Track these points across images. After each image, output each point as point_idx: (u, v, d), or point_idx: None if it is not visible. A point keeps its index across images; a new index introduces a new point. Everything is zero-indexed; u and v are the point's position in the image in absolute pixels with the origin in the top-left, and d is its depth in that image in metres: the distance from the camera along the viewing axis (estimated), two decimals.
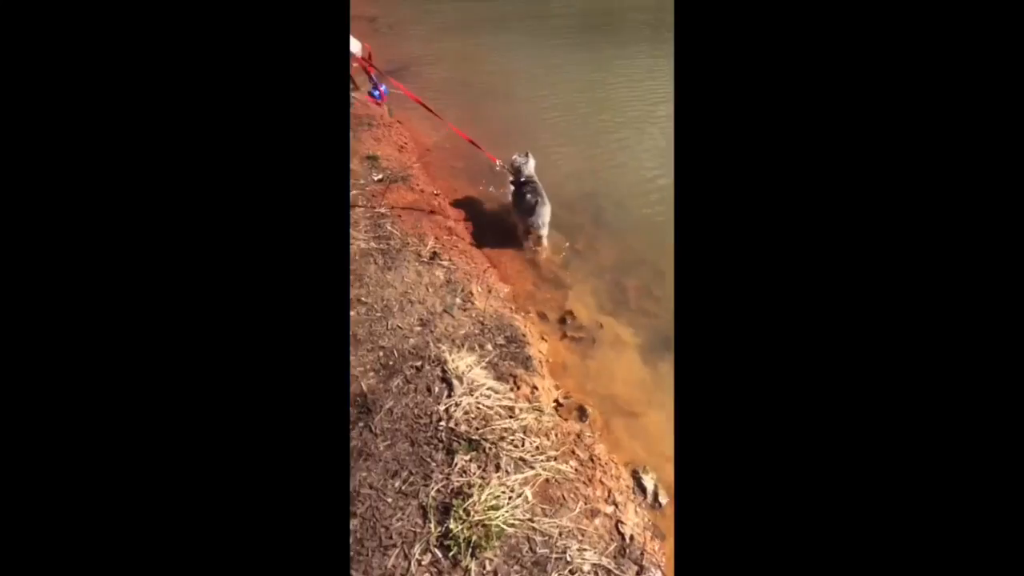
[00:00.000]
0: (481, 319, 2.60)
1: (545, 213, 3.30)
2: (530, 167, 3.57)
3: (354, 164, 3.58)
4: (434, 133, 4.58)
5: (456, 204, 3.71)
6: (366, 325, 2.31)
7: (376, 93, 3.24)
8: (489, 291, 2.86)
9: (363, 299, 2.45)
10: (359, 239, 2.82)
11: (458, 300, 2.65)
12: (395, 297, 2.53)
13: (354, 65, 2.95)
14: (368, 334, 2.27)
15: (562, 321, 2.85)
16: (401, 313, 2.44)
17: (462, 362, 2.20)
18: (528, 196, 3.33)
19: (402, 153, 4.04)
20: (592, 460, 2.09)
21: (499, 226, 3.49)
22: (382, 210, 3.12)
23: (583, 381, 2.58)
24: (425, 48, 6.19)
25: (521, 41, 6.70)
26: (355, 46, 2.62)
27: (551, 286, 3.14)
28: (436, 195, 3.63)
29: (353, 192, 3.23)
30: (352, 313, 2.36)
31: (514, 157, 3.60)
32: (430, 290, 2.66)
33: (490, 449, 1.85)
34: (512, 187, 3.55)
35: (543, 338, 2.73)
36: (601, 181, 4.03)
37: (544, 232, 3.35)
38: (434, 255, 2.90)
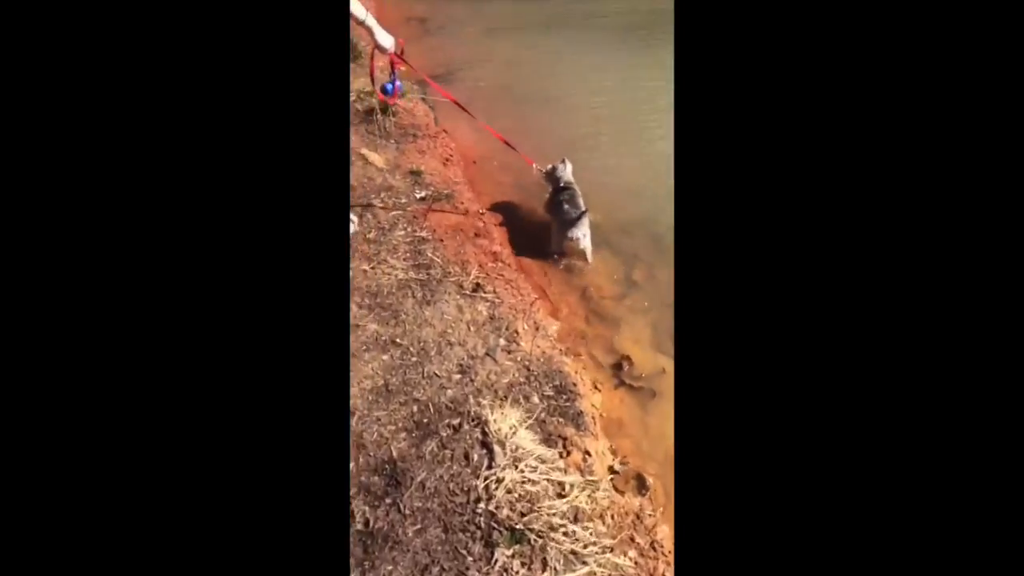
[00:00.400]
0: (527, 363, 2.33)
1: (586, 224, 3.07)
2: (567, 173, 3.37)
3: (397, 179, 3.37)
4: (481, 144, 4.34)
5: (502, 222, 3.45)
6: (400, 372, 2.08)
7: (389, 88, 3.00)
8: (536, 329, 2.59)
9: (399, 340, 2.22)
10: (397, 268, 2.60)
11: (502, 341, 2.39)
12: (433, 338, 2.28)
13: (383, 59, 2.72)
14: (402, 383, 2.04)
15: (618, 366, 2.54)
16: (439, 357, 2.20)
17: (505, 423, 1.94)
18: (567, 207, 3.12)
19: (447, 167, 3.81)
20: (654, 548, 1.79)
21: (547, 247, 3.21)
22: (424, 234, 2.89)
23: (641, 440, 2.27)
24: (474, 51, 5.95)
25: (577, 42, 6.38)
26: (388, 41, 2.46)
27: (605, 323, 2.83)
28: (481, 214, 3.38)
29: (394, 212, 3.02)
30: (385, 357, 2.13)
31: (550, 165, 3.42)
32: (471, 329, 2.40)
33: (536, 541, 1.58)
34: (548, 195, 3.35)
35: (596, 387, 2.43)
36: (661, 202, 3.67)
37: (587, 245, 3.10)
38: (477, 287, 2.65)
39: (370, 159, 3.44)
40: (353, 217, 2.85)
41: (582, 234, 3.06)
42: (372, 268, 2.55)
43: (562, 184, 3.31)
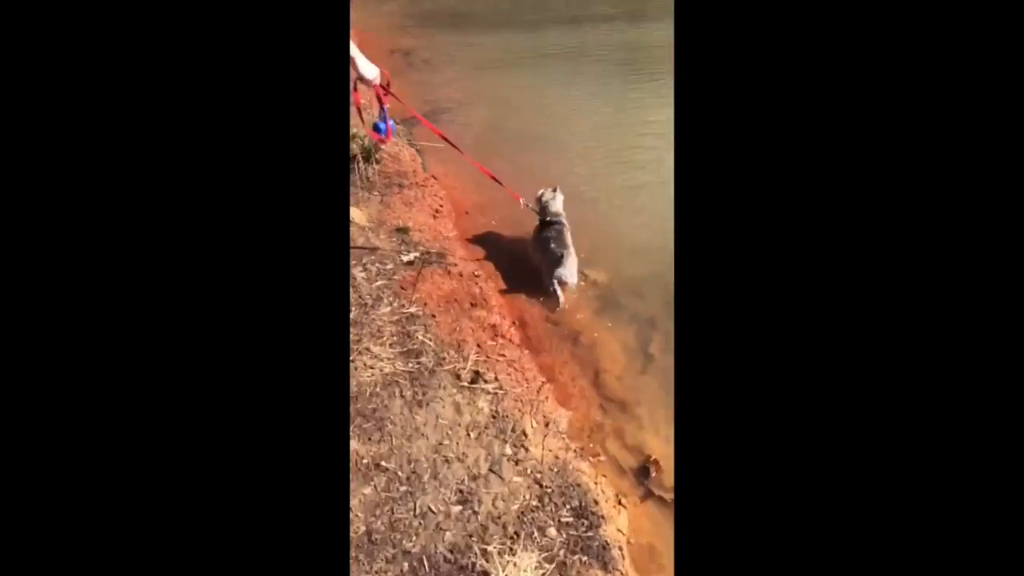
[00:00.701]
0: (538, 475, 1.94)
1: (574, 263, 3.01)
2: (558, 204, 3.26)
3: (381, 239, 3.00)
4: (473, 191, 4.00)
5: (499, 273, 3.10)
6: (387, 512, 1.68)
7: (382, 127, 2.76)
8: (546, 425, 2.21)
9: (385, 463, 1.82)
10: (383, 359, 2.21)
11: (508, 450, 2.00)
12: (426, 454, 1.89)
13: (367, 92, 2.45)
14: (389, 528, 1.64)
15: (643, 472, 2.17)
16: (434, 483, 1.80)
17: None
18: (553, 246, 3.03)
19: (437, 219, 3.45)
20: None
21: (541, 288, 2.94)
22: (413, 309, 2.51)
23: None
24: (462, 88, 5.66)
25: (570, 79, 6.13)
26: (371, 72, 2.29)
27: (622, 410, 2.46)
28: (477, 275, 3.02)
29: (379, 283, 2.64)
30: (367, 491, 1.73)
31: (540, 191, 3.31)
32: (472, 435, 2.02)
33: None
34: (536, 227, 3.23)
35: (620, 501, 2.05)
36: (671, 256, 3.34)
37: (573, 282, 3.04)
38: (476, 375, 2.26)
39: (351, 217, 3.06)
40: None
41: (569, 274, 3.00)
42: (351, 360, 2.16)
43: (549, 218, 3.18)
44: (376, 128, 2.84)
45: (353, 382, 2.08)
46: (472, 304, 2.73)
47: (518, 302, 3.05)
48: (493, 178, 3.31)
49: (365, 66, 2.28)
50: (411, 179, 3.71)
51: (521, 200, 3.33)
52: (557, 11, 8.01)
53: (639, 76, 5.92)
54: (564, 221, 3.20)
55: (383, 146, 3.47)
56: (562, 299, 2.95)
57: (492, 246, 3.47)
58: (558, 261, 2.97)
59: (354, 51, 2.16)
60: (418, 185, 3.66)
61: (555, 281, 2.96)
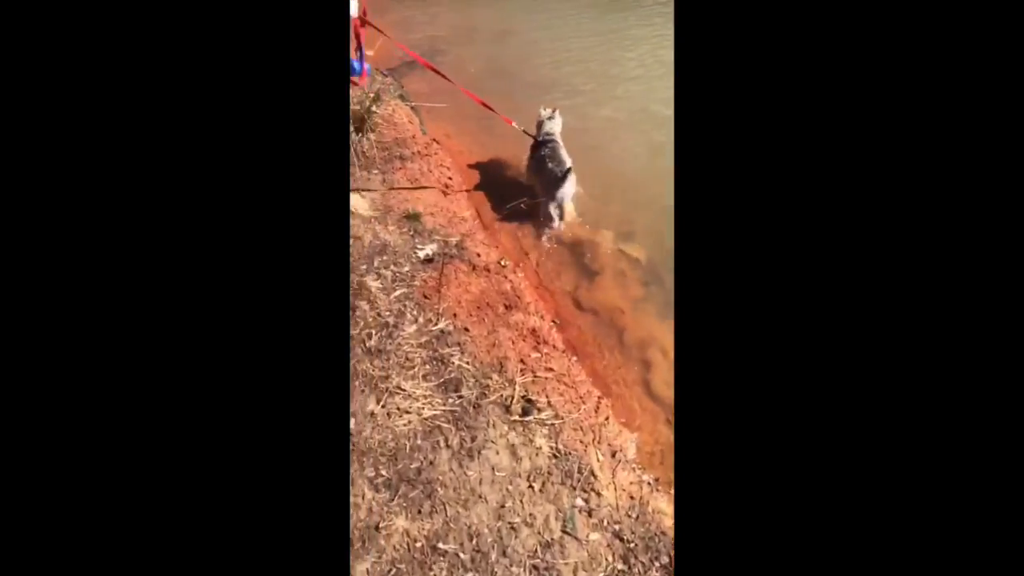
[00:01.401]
0: (616, 526, 1.66)
1: (572, 182, 2.88)
2: (554, 125, 3.12)
3: (391, 231, 2.56)
4: (477, 147, 3.51)
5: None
6: None
7: (356, 67, 2.63)
8: (613, 455, 1.91)
9: (441, 544, 1.51)
10: (418, 398, 1.85)
11: (579, 501, 1.71)
12: (489, 522, 1.58)
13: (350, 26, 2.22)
14: None
15: None
16: (504, 561, 1.51)
17: None
18: (551, 164, 2.91)
19: (448, 197, 2.99)
20: None
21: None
22: (442, 324, 2.13)
23: None
24: (454, 22, 4.95)
25: (571, 6, 5.41)
26: (353, 6, 2.30)
27: None
28: (503, 265, 2.62)
29: (398, 292, 2.23)
30: None
31: (540, 110, 3.17)
32: (535, 486, 1.71)
33: None
34: (531, 148, 3.13)
35: None
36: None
37: (569, 206, 2.96)
38: (528, 404, 1.93)
39: (352, 206, 2.60)
40: None
41: (569, 194, 2.88)
42: (382, 406, 1.80)
43: (542, 139, 3.05)
44: (351, 69, 2.65)
45: (388, 434, 1.73)
46: (507, 306, 2.36)
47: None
48: (484, 105, 3.15)
49: None
50: (412, 147, 3.20)
51: (513, 123, 3.19)
52: None
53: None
54: (558, 139, 3.05)
55: (355, 87, 3.12)
56: (558, 223, 2.92)
57: (485, 175, 3.27)
58: (557, 181, 2.84)
59: None
60: (420, 155, 3.17)
61: (553, 204, 2.89)
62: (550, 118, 3.13)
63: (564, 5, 5.31)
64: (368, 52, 2.51)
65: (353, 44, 2.61)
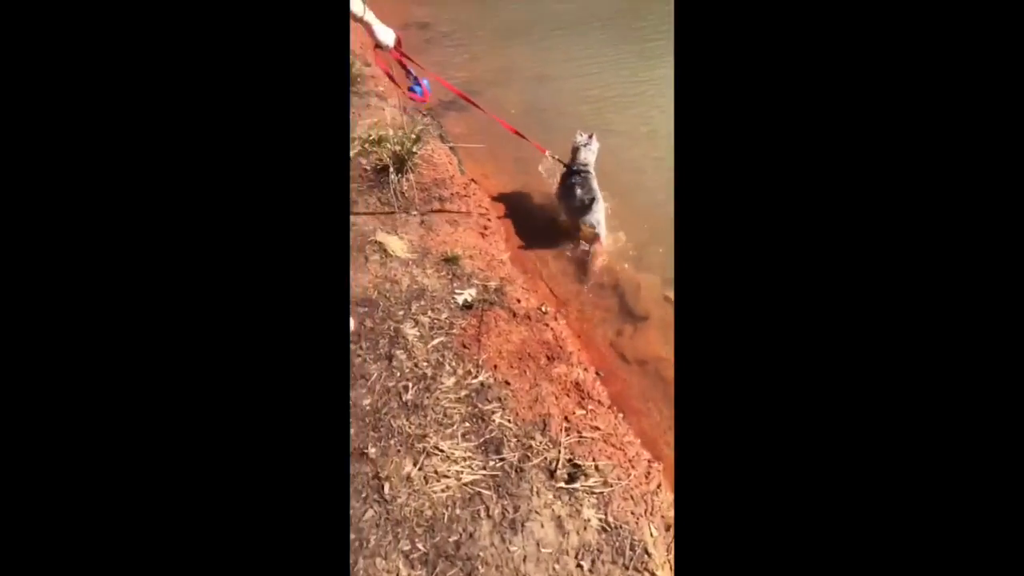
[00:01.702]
0: None
1: (600, 210, 2.88)
2: (589, 153, 3.06)
3: (429, 275, 2.48)
4: (515, 187, 3.45)
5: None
6: None
7: (418, 89, 2.63)
8: (667, 528, 1.73)
9: None
10: (457, 460, 1.72)
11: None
12: None
13: (387, 57, 2.42)
14: None
15: None
16: None
17: None
18: (579, 191, 2.90)
19: (487, 239, 2.92)
20: None
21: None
22: (482, 376, 2.01)
23: None
24: (491, 63, 5.00)
25: (606, 45, 5.42)
26: (388, 36, 2.22)
27: None
28: (544, 312, 2.51)
29: (436, 340, 2.13)
30: None
31: (576, 136, 3.11)
32: (584, 565, 1.54)
33: None
34: (562, 175, 3.08)
35: None
36: None
37: (602, 231, 2.91)
38: (574, 468, 1.78)
39: (390, 247, 2.55)
40: (372, 366, 1.97)
41: (596, 220, 2.87)
42: (419, 469, 1.68)
43: (575, 168, 3.01)
44: (412, 90, 2.70)
45: (425, 500, 1.60)
46: (549, 357, 2.23)
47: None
48: (517, 133, 3.11)
49: (382, 31, 2.14)
50: (451, 187, 3.16)
51: (547, 153, 3.18)
52: None
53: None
54: (592, 170, 3.01)
55: (422, 105, 3.21)
56: (596, 243, 2.90)
57: (522, 214, 3.24)
58: (585, 208, 2.86)
59: (370, 16, 2.02)
60: (459, 195, 3.12)
61: (584, 227, 2.88)
62: (586, 145, 3.06)
63: (607, 50, 5.32)
64: (417, 67, 2.63)
65: (400, 73, 2.72)
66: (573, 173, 2.99)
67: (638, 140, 3.94)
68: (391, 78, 2.60)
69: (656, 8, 5.73)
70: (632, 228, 3.07)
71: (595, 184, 2.94)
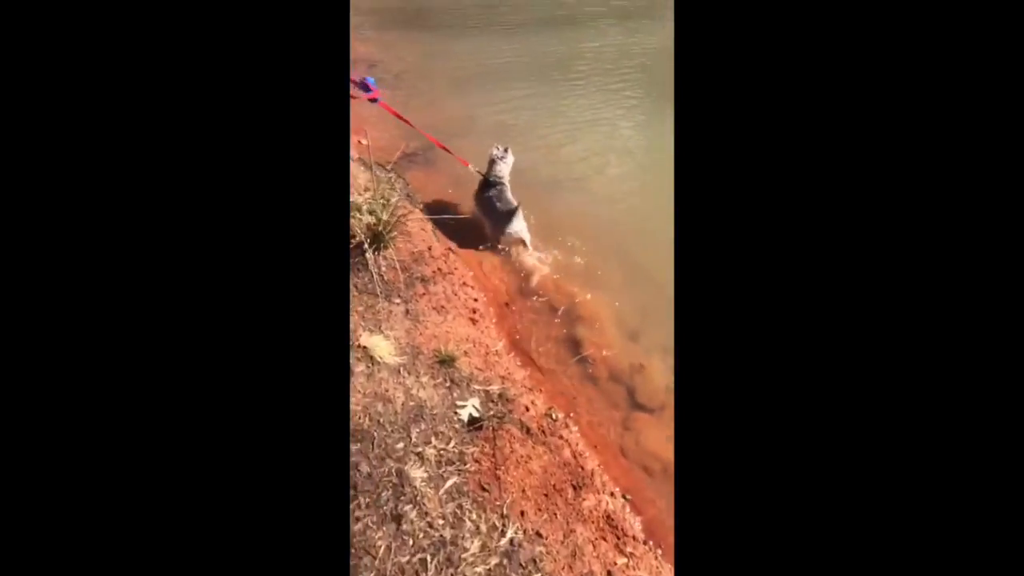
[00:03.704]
0: None
1: (521, 218, 3.05)
2: (504, 166, 3.24)
3: (424, 386, 2.11)
4: (487, 254, 3.17)
5: (565, 371, 2.33)
6: None
7: (368, 85, 2.93)
8: None
9: None
10: None
11: None
12: None
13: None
14: None
15: None
16: None
17: None
18: (498, 204, 3.11)
19: (478, 325, 2.59)
20: None
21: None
22: (511, 534, 1.67)
23: None
24: (446, 111, 4.70)
25: (565, 95, 5.31)
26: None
27: None
28: (554, 419, 2.21)
29: (449, 482, 1.77)
30: None
31: (492, 149, 3.30)
32: None
33: None
34: (477, 187, 3.28)
35: None
36: None
37: (527, 236, 3.11)
38: None
39: (377, 353, 2.15)
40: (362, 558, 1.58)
41: (519, 227, 3.06)
42: None
43: (491, 179, 3.20)
44: (363, 87, 2.83)
45: None
46: (575, 487, 1.93)
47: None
48: (443, 147, 3.34)
49: None
50: (431, 264, 2.81)
51: (469, 166, 3.36)
52: (543, 8, 7.11)
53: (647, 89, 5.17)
54: (506, 182, 3.20)
55: (375, 103, 3.09)
56: (528, 241, 3.10)
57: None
58: (506, 217, 3.02)
59: None
60: (441, 273, 2.77)
61: (508, 237, 3.06)
62: (502, 158, 3.25)
63: (573, 100, 5.20)
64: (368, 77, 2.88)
65: (354, 80, 2.86)
66: (489, 185, 3.18)
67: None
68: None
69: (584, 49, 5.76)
70: (627, 301, 2.87)
71: (511, 196, 3.15)
